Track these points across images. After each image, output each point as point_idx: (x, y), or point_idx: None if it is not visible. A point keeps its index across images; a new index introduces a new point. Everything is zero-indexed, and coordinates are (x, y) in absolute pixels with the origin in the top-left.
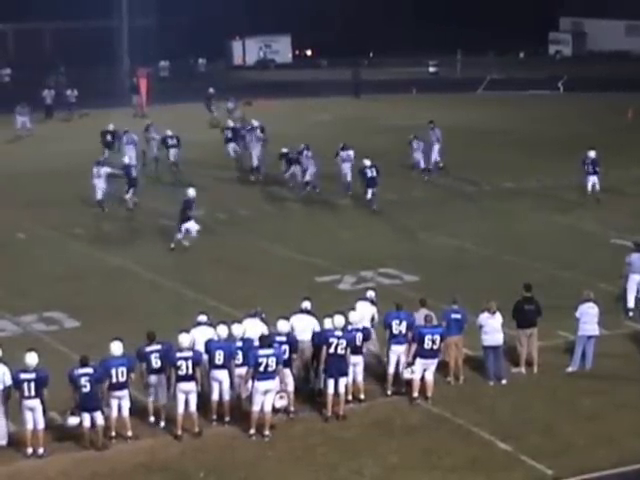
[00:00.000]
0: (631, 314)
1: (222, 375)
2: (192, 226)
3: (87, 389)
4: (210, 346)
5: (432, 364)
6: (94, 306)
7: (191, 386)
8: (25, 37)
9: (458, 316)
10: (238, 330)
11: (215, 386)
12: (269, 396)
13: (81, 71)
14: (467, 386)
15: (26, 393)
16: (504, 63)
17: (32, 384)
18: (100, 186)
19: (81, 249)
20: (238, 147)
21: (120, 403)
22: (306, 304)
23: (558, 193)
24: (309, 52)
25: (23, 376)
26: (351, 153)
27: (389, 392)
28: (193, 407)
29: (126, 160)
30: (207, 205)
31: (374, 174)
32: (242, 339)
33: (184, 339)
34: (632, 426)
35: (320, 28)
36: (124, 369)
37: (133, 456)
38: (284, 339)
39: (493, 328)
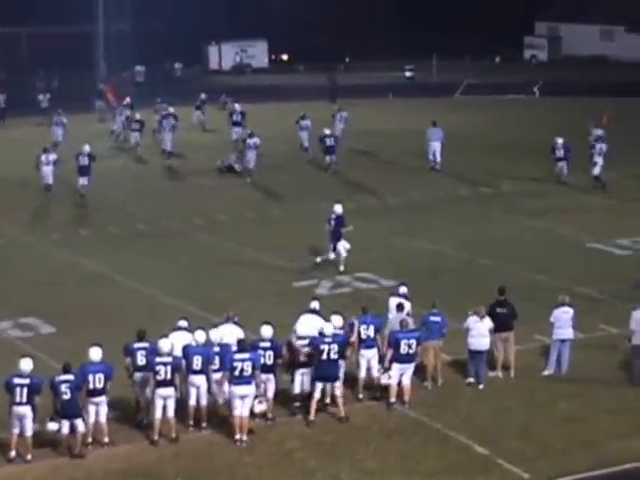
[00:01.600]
0: None
1: (200, 380)
2: (343, 246)
3: (67, 396)
4: (188, 351)
5: (409, 369)
6: (70, 312)
7: (169, 391)
8: (2, 41)
9: (437, 319)
10: (215, 335)
11: (193, 391)
12: (246, 401)
13: (58, 76)
14: (444, 390)
15: (17, 399)
16: (480, 68)
17: (25, 390)
18: (48, 173)
19: (57, 254)
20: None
21: (98, 409)
22: (314, 304)
23: (534, 197)
24: (285, 57)
25: (17, 381)
26: (309, 122)
27: (360, 396)
28: (171, 413)
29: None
30: (185, 209)
31: (332, 143)
32: (220, 344)
33: (164, 344)
34: (609, 429)
35: (296, 33)
36: (102, 376)
37: (110, 462)
38: (268, 345)
39: (480, 332)
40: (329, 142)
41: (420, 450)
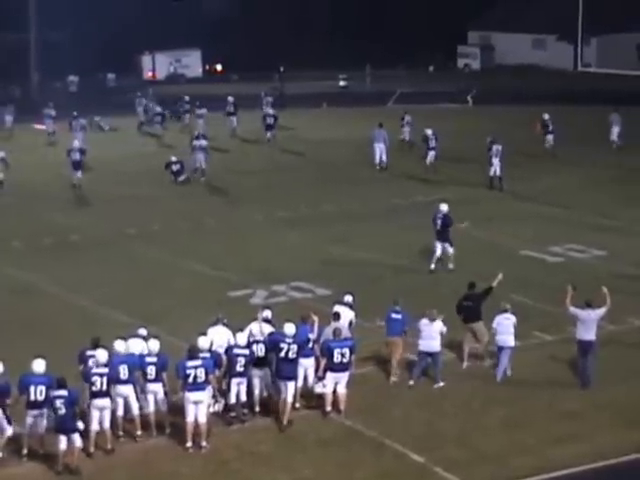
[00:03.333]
0: None
1: (156, 388)
2: (449, 247)
3: (62, 411)
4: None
5: (343, 377)
6: (2, 323)
7: (105, 402)
8: None
9: (398, 317)
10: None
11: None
12: (201, 407)
13: None
14: (381, 396)
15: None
16: (414, 76)
17: (42, 388)
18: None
19: None
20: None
21: (36, 421)
22: (267, 313)
23: (468, 206)
24: (219, 67)
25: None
26: (204, 142)
27: (297, 405)
28: (107, 424)
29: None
30: (118, 219)
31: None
32: (157, 354)
33: (101, 355)
34: (546, 434)
35: (230, 42)
36: (43, 388)
37: (45, 473)
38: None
39: (429, 334)
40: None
41: (356, 458)
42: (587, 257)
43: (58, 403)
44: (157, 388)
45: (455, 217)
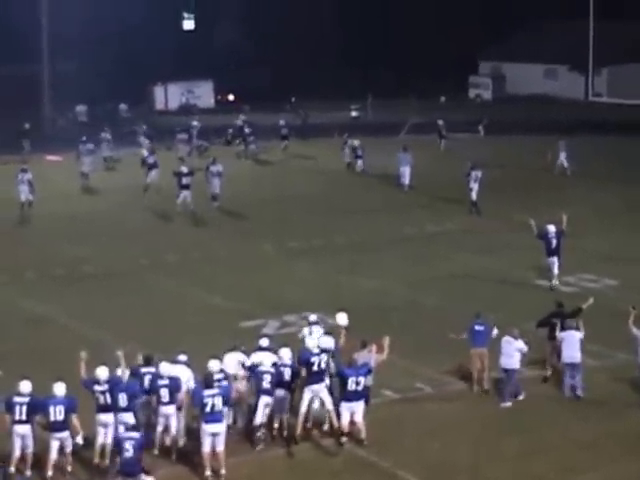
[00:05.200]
0: None
1: (170, 410)
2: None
3: (129, 453)
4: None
5: (359, 406)
6: (15, 354)
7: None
8: None
9: (481, 328)
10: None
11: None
12: (219, 438)
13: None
14: (393, 427)
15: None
16: (425, 107)
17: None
18: (23, 189)
19: (2, 296)
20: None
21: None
22: (264, 341)
23: (478, 235)
24: (231, 97)
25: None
26: (219, 167)
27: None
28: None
29: None
30: (133, 250)
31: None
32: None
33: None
34: (558, 465)
35: (241, 73)
36: (62, 407)
37: None
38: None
39: (508, 352)
40: (184, 180)
41: None
42: (599, 287)
43: (127, 445)
44: (171, 411)
45: (464, 247)
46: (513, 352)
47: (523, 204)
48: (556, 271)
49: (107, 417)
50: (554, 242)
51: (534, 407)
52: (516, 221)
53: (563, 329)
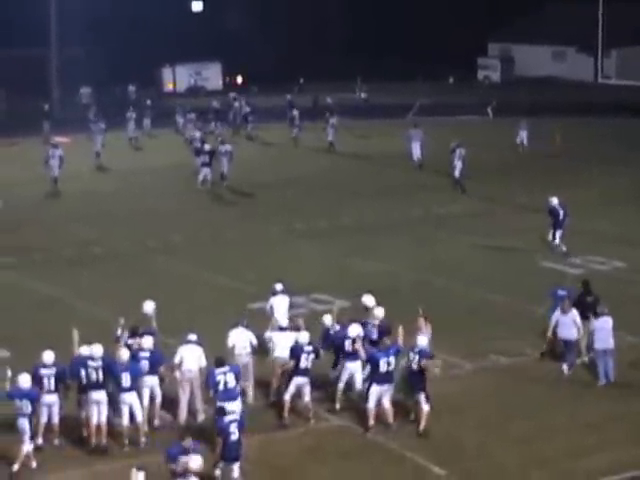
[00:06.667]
0: None
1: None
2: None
3: (235, 436)
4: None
5: (388, 391)
6: (24, 336)
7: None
8: None
9: (564, 293)
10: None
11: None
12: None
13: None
14: (400, 410)
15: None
16: (433, 88)
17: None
18: (54, 164)
19: (9, 279)
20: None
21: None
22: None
23: (487, 218)
24: (239, 79)
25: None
26: (229, 147)
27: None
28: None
29: None
30: (140, 231)
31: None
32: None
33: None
34: (565, 448)
35: (249, 55)
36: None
37: None
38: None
39: (566, 324)
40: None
41: (377, 471)
42: (608, 269)
43: (232, 427)
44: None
45: (471, 230)
46: (571, 324)
47: (529, 187)
48: (558, 241)
49: (99, 394)
50: (561, 213)
51: (542, 389)
52: (520, 203)
53: (596, 315)
